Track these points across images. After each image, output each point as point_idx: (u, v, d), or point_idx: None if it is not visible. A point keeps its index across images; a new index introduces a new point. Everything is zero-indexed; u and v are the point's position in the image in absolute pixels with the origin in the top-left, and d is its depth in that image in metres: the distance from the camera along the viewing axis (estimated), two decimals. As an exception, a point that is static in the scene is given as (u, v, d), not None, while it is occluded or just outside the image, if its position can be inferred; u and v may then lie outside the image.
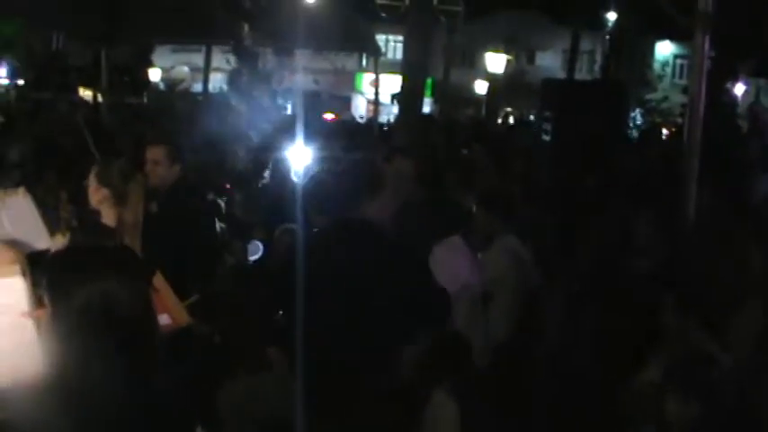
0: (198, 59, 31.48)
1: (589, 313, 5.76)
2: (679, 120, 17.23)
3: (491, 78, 27.45)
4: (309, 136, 9.41)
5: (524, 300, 6.58)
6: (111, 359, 2.53)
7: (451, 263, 6.15)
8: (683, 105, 10.42)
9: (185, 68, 40.41)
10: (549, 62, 43.04)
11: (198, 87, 30.67)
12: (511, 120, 31.68)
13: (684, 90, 10.38)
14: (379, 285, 4.48)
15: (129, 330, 2.57)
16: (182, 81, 37.61)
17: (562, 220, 6.86)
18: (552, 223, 7.00)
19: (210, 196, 7.07)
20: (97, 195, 4.17)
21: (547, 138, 6.49)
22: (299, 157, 7.87)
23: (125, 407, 2.52)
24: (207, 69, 23.77)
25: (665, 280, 5.42)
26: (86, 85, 25.21)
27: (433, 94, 33.63)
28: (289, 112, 18.65)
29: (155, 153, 6.37)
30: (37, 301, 3.13)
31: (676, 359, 3.84)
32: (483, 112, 28.30)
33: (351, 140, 13.13)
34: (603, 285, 5.80)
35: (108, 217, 4.17)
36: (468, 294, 6.09)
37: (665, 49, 41.15)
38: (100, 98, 21.74)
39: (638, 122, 28.41)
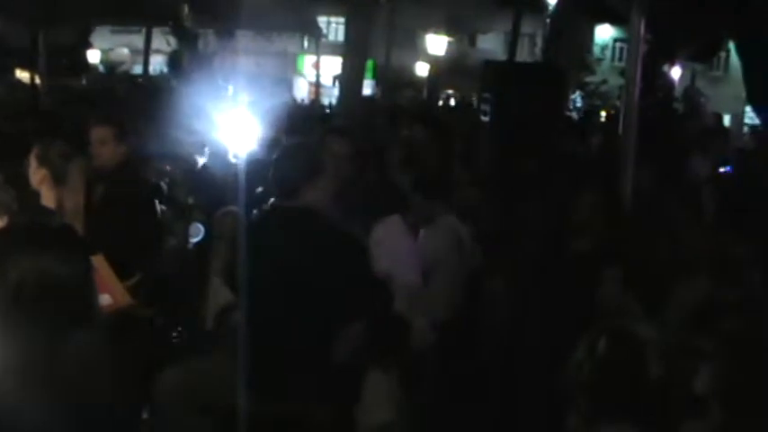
0: (138, 41, 31.14)
1: (531, 294, 5.85)
2: (617, 103, 17.44)
3: (432, 60, 27.50)
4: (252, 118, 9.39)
5: (465, 280, 6.66)
6: (49, 336, 2.53)
7: (391, 243, 6.20)
8: (621, 88, 10.56)
9: (125, 50, 39.96)
10: (491, 45, 43.18)
11: (138, 69, 30.35)
12: (452, 102, 31.81)
13: (622, 73, 10.51)
14: (317, 272, 4.51)
15: (67, 307, 2.57)
16: (122, 63, 37.17)
17: (502, 201, 6.94)
18: (493, 204, 7.07)
19: (152, 178, 7.03)
20: (37, 175, 4.15)
21: (486, 119, 6.55)
22: (242, 140, 7.83)
23: (63, 381, 2.52)
24: (147, 51, 23.52)
25: (605, 259, 5.51)
26: (24, 67, 24.81)
27: (374, 76, 33.65)
28: (230, 93, 18.55)
29: (101, 133, 6.32)
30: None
31: (598, 336, 3.91)
32: (424, 94, 28.34)
33: (291, 123, 13.08)
34: (544, 266, 5.90)
35: (48, 198, 4.16)
36: (407, 274, 6.14)
37: (605, 33, 41.54)
38: (38, 80, 21.41)
39: (578, 105, 28.70)
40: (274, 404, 4.39)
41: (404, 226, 6.36)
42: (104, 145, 6.26)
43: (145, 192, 6.53)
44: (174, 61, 17.54)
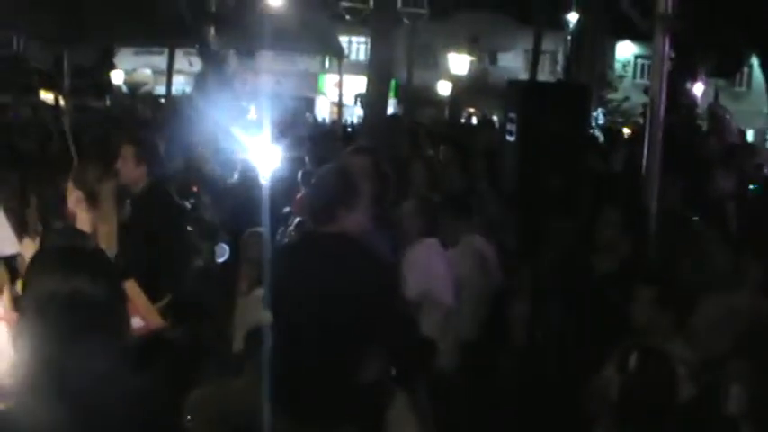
0: (160, 62, 31.31)
1: (553, 312, 5.85)
2: (640, 120, 17.39)
3: (454, 79, 27.57)
4: (275, 138, 9.45)
5: (490, 299, 6.67)
6: (82, 356, 2.55)
7: (428, 263, 6.20)
8: (644, 105, 10.53)
9: (148, 71, 40.21)
10: (511, 63, 43.24)
11: (160, 90, 30.48)
12: (474, 120, 31.83)
13: (645, 90, 10.48)
14: (352, 297, 4.50)
15: (100, 327, 2.59)
16: (144, 84, 37.40)
17: (526, 219, 6.95)
18: (517, 223, 7.08)
19: (179, 199, 7.08)
20: (72, 197, 4.18)
21: (511, 138, 6.56)
22: (266, 160, 7.88)
23: (99, 403, 2.54)
24: (170, 72, 23.65)
25: (634, 277, 5.50)
26: (48, 88, 24.99)
27: (396, 95, 33.71)
28: (252, 114, 18.64)
29: (124, 151, 6.41)
30: (12, 305, 3.15)
31: (628, 354, 3.92)
32: (446, 112, 28.38)
33: (314, 143, 13.14)
34: (567, 285, 5.90)
35: (83, 221, 4.19)
36: (443, 294, 6.15)
37: (626, 50, 41.48)
38: (61, 101, 21.56)
39: (600, 122, 28.64)
40: (303, 426, 4.40)
41: (440, 247, 6.34)
42: (126, 163, 6.33)
43: (172, 212, 6.58)
44: (199, 82, 17.63)
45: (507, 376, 6.56)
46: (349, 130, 21.80)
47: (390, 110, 24.47)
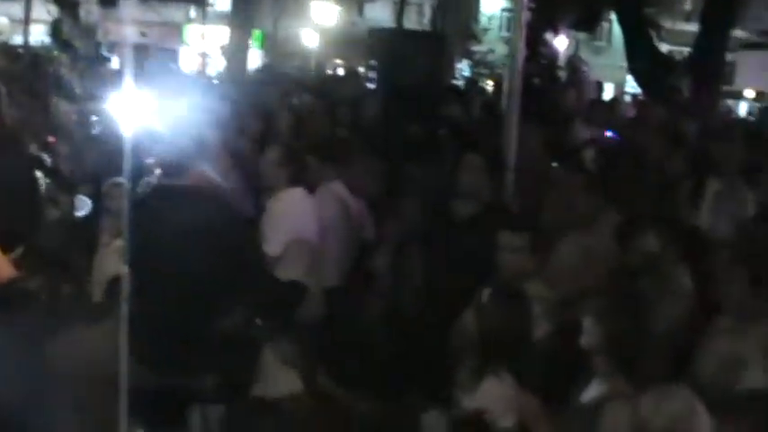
0: (17, 10, 30.18)
1: (415, 258, 5.94)
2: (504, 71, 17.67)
3: (321, 30, 27.41)
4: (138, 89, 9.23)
5: (356, 247, 6.72)
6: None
7: (293, 210, 6.22)
8: (508, 57, 10.71)
9: (4, 19, 38.70)
10: (379, 13, 43.16)
11: (17, 39, 29.41)
12: (340, 71, 31.77)
13: (509, 42, 10.67)
14: (205, 247, 4.50)
15: None
16: (0, 33, 35.99)
17: (389, 168, 7.02)
18: (379, 171, 7.14)
19: (34, 150, 6.88)
20: None
21: (372, 86, 6.59)
22: (126, 110, 7.71)
23: None
24: (27, 21, 22.83)
25: (492, 223, 5.62)
26: None
27: (262, 47, 33.35)
28: (114, 64, 18.18)
29: None
30: None
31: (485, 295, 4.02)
32: (312, 63, 28.23)
33: (177, 93, 12.90)
34: (429, 231, 5.99)
35: None
36: (308, 238, 6.18)
37: (494, 4, 41.89)
38: None
39: (466, 74, 28.96)
40: (164, 376, 4.38)
41: (305, 195, 6.36)
42: None
43: (23, 160, 6.39)
44: (56, 30, 17.07)
45: (372, 323, 6.62)
46: (214, 81, 21.48)
47: (257, 61, 24.22)
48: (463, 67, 30.22)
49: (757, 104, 27.26)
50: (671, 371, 4.51)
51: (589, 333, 3.94)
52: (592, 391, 3.77)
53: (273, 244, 6.02)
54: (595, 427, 3.34)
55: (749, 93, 29.53)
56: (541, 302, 5.00)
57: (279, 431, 4.41)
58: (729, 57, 19.41)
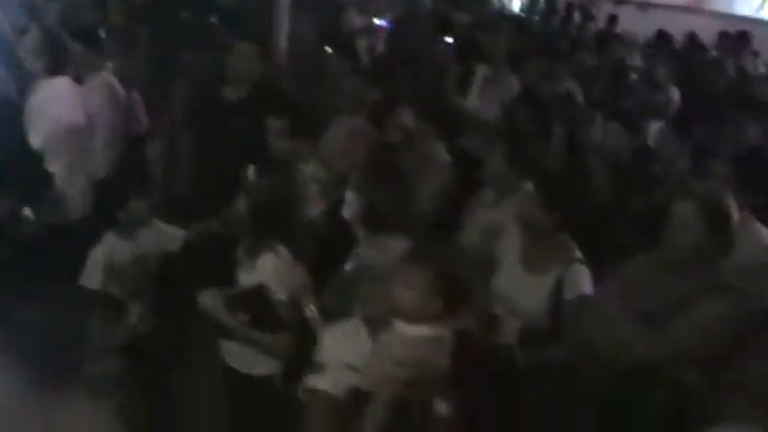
0: None
1: (184, 145, 5.93)
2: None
3: None
4: None
5: (127, 138, 6.57)
6: None
7: (53, 104, 5.99)
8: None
9: None
10: None
11: None
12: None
13: None
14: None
15: None
16: None
17: (158, 53, 6.91)
18: (151, 57, 7.01)
19: None
20: None
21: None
22: None
23: None
24: None
25: (260, 107, 5.63)
26: None
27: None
28: None
29: None
30: None
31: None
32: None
33: None
34: (197, 115, 5.96)
35: None
36: (72, 133, 5.99)
37: None
38: None
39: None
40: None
41: (69, 85, 6.11)
42: None
43: None
44: None
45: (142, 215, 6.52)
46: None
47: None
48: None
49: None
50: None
51: (350, 204, 4.06)
52: (352, 262, 3.88)
53: (36, 135, 5.81)
54: (353, 294, 3.44)
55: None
56: (317, 182, 5.11)
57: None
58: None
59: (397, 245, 3.21)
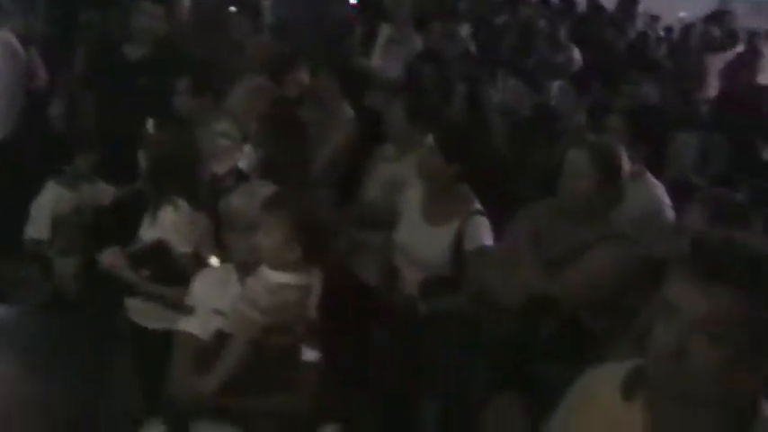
0: None
1: (88, 102, 5.89)
2: None
3: None
4: None
5: (26, 96, 6.48)
6: None
7: None
8: None
9: None
10: None
11: None
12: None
13: None
14: None
15: None
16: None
17: (63, 14, 6.82)
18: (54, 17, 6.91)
19: None
20: None
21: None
22: None
23: None
24: None
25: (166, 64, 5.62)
26: None
27: None
28: None
29: None
30: None
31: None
32: None
33: None
34: (98, 74, 5.91)
35: None
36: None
37: None
38: None
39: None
40: None
41: None
42: None
43: None
44: None
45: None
46: None
47: None
48: None
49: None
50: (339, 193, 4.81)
51: (248, 157, 4.09)
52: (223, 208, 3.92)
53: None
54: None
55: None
56: (228, 138, 5.12)
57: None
58: None
59: (265, 191, 3.22)
